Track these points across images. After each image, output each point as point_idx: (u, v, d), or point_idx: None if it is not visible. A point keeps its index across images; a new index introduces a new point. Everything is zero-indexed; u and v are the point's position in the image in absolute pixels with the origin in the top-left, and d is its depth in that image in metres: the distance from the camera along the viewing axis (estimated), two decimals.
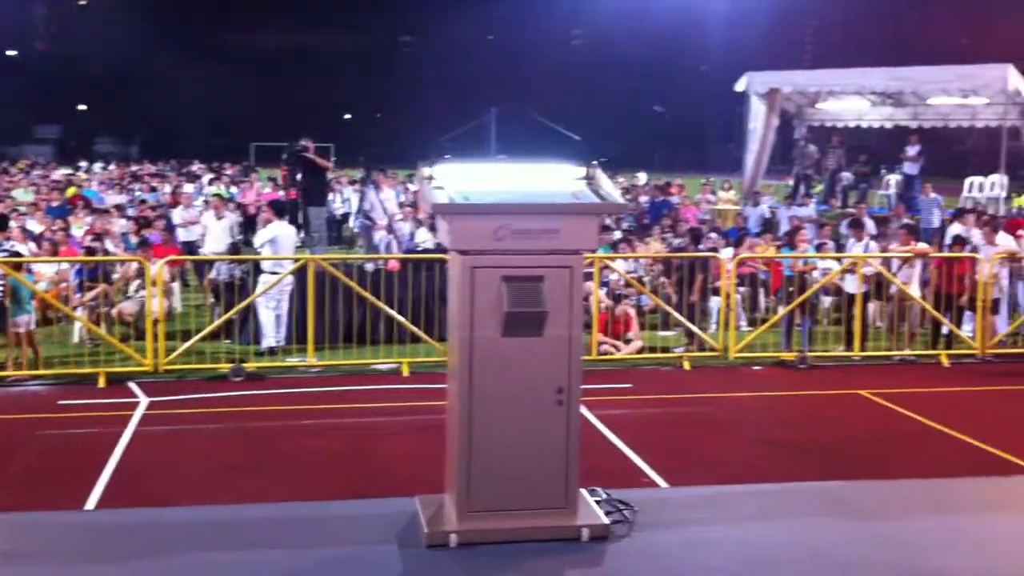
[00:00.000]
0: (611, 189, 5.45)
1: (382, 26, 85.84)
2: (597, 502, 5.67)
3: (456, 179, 5.44)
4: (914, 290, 13.63)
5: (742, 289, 15.04)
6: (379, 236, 16.23)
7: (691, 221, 21.58)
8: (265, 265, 12.73)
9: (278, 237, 13.01)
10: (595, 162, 5.53)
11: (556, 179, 5.59)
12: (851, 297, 13.58)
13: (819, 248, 14.96)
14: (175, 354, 11.76)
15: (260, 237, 13.34)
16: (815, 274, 13.86)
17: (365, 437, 9.49)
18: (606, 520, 5.36)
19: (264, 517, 6.47)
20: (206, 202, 19.66)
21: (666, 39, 76.12)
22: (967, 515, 5.38)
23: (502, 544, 5.22)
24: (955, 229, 15.26)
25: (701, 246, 15.40)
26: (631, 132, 70.95)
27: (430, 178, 5.43)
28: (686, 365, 12.71)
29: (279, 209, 13.66)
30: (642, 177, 33.80)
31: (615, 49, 77.40)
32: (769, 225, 21.60)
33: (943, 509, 5.37)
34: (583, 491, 5.68)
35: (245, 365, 11.72)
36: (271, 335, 12.72)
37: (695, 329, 13.21)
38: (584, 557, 4.89)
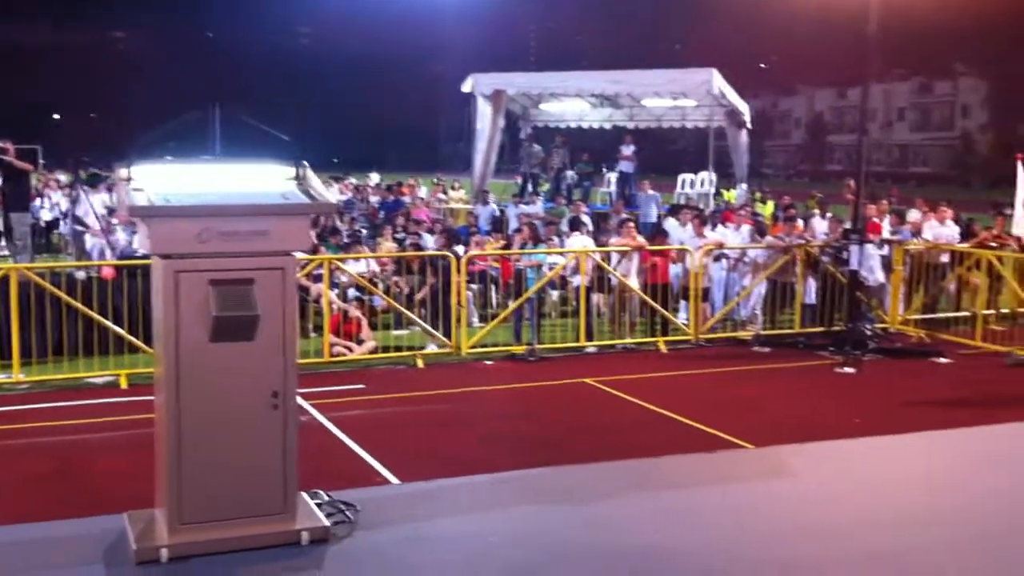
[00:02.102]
0: (321, 189, 5.39)
1: (92, 21, 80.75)
2: (319, 504, 5.59)
3: (157, 180, 5.21)
4: (633, 282, 14.34)
5: (473, 286, 15.32)
6: (92, 242, 15.32)
7: (426, 221, 21.76)
8: None
9: None
10: (305, 162, 5.45)
11: (265, 180, 5.47)
12: (577, 290, 14.15)
13: (546, 244, 15.47)
14: None
15: None
16: (543, 269, 14.33)
17: (77, 456, 8.92)
18: (327, 522, 5.30)
19: None
20: None
21: (397, 39, 76.42)
22: (674, 492, 5.69)
23: (218, 555, 5.05)
24: (672, 224, 16.18)
25: (430, 244, 15.55)
26: (364, 132, 70.66)
27: (128, 179, 5.17)
28: (420, 363, 12.80)
29: None
30: (374, 177, 33.74)
31: (345, 49, 76.85)
32: (499, 223, 22.12)
33: (651, 487, 5.67)
34: (304, 495, 5.59)
35: None
36: None
37: (427, 327, 13.32)
38: (303, 561, 4.81)
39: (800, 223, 16.27)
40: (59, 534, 5.96)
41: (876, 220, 15.93)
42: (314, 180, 5.56)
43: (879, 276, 15.22)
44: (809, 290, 15.06)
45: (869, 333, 13.96)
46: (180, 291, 5.08)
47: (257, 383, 5.20)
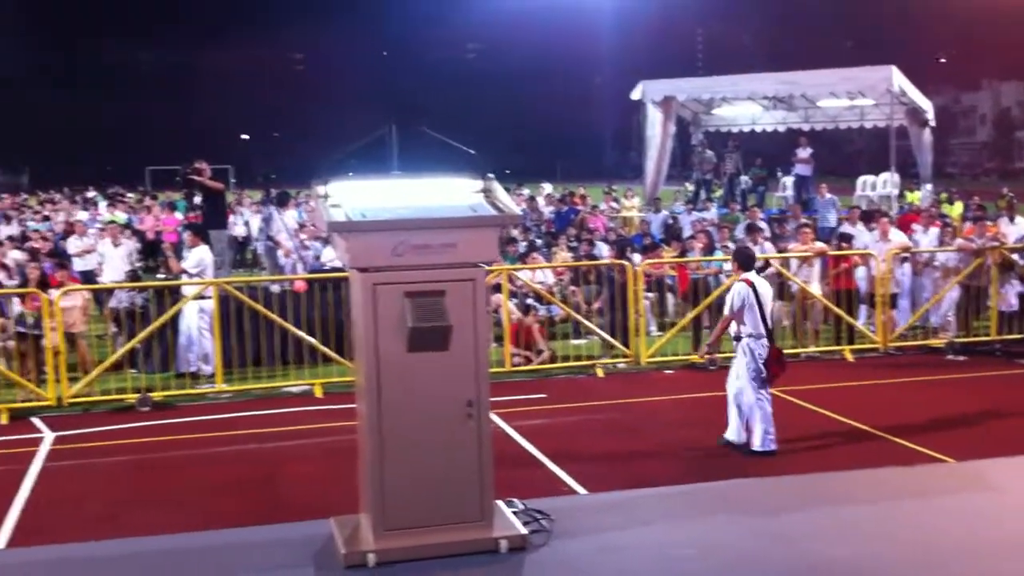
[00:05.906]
0: (507, 200, 5.47)
1: (272, 44, 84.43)
2: (515, 513, 5.66)
3: (352, 196, 5.40)
4: (815, 288, 13.94)
5: (650, 295, 15.22)
6: (283, 257, 15.97)
7: (600, 230, 21.79)
8: (190, 290, 12.36)
9: (205, 260, 12.89)
10: (491, 174, 5.55)
11: (453, 193, 5.59)
12: None
13: (723, 251, 15.21)
14: (78, 386, 11.44)
15: (191, 260, 13.05)
16: (720, 277, 14.10)
17: (277, 462, 9.32)
18: (524, 530, 5.36)
19: (175, 548, 6.31)
20: (101, 230, 19.18)
21: (558, 51, 76.88)
22: (867, 506, 5.50)
23: (421, 561, 5.18)
24: (858, 229, 15.63)
25: (605, 254, 15.53)
26: (531, 143, 71.36)
27: (325, 196, 5.38)
28: (599, 372, 12.80)
29: (201, 233, 13.56)
30: (547, 187, 33.93)
31: (511, 62, 77.80)
32: (672, 230, 21.89)
33: (839, 501, 5.50)
34: (500, 503, 5.67)
35: (152, 394, 11.45)
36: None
37: (607, 336, 13.29)
38: (503, 569, 4.88)
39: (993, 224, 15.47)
40: (269, 538, 6.25)
41: None
42: (500, 192, 5.65)
43: None
44: (1007, 295, 14.26)
45: None
46: (378, 303, 5.24)
47: (452, 392, 5.32)
